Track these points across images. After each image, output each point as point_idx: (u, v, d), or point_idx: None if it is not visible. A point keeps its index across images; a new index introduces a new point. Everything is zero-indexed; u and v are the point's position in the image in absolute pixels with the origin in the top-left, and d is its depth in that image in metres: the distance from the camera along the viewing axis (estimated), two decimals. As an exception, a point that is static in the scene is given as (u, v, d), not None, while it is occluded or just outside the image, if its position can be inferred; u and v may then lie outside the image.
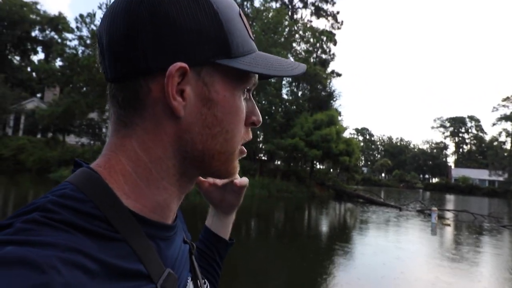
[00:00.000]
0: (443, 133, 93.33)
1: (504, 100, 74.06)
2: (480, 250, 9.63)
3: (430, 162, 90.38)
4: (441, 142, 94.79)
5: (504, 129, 73.43)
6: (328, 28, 32.14)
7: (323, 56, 32.19)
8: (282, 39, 26.22)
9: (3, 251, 0.31)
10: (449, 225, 14.00)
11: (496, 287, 6.20)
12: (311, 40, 29.99)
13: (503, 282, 6.54)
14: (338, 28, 32.43)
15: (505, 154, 68.69)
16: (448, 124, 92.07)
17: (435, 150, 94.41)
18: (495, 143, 75.16)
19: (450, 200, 35.14)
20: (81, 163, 0.46)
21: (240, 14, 0.48)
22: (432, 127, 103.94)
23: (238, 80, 0.47)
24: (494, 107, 76.39)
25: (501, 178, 65.29)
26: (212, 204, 0.77)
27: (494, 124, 74.73)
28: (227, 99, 0.46)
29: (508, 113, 72.52)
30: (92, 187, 0.42)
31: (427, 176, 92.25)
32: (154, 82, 0.43)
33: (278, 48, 23.79)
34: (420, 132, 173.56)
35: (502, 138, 74.22)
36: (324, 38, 30.86)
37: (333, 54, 32.52)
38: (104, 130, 30.84)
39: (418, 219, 15.29)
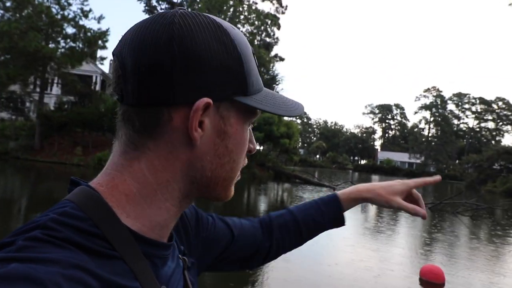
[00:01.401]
0: (373, 119, 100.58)
1: (425, 91, 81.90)
2: (398, 223, 10.94)
3: (360, 145, 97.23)
4: (370, 127, 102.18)
5: (424, 117, 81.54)
6: (272, 12, 32.34)
7: (267, 39, 32.49)
8: (227, 20, 25.89)
9: (7, 268, 0.32)
10: (375, 203, 15.50)
11: (409, 249, 7.20)
12: (256, 22, 30.04)
13: (414, 247, 7.60)
14: (283, 13, 32.83)
15: (423, 139, 76.61)
16: (377, 111, 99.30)
17: (364, 134, 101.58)
18: (416, 129, 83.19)
19: (375, 180, 38.39)
20: (79, 181, 0.48)
21: (253, 53, 0.52)
22: (363, 113, 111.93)
23: (248, 115, 0.51)
24: (416, 97, 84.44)
25: (418, 161, 72.95)
26: (377, 202, 0.84)
27: (415, 112, 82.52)
28: (238, 132, 0.50)
29: (428, 102, 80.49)
30: (92, 205, 0.43)
31: (356, 158, 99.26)
32: (177, 112, 0.45)
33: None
34: (352, 117, 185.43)
35: (422, 125, 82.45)
36: (269, 22, 31.10)
37: (277, 38, 32.98)
38: (28, 104, 28.06)
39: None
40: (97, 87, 31.05)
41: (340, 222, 0.85)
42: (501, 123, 78.86)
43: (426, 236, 9.39)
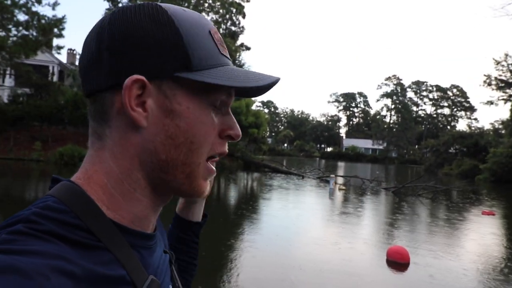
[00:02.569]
0: (337, 107, 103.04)
1: (386, 79, 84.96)
2: (366, 207, 11.41)
3: (326, 133, 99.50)
4: (335, 115, 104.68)
5: (385, 105, 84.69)
6: (237, 0, 31.92)
7: (233, 28, 32.09)
8: (190, 7, 25.27)
9: None
10: (344, 189, 16.04)
11: (375, 232, 7.56)
12: (221, 11, 29.57)
13: (380, 229, 7.98)
14: (247, 1, 32.46)
15: (385, 126, 79.70)
16: (341, 99, 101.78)
17: (330, 122, 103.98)
18: (378, 117, 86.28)
19: (342, 167, 39.73)
20: (59, 178, 0.49)
21: (210, 32, 0.50)
22: (328, 102, 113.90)
23: (203, 93, 0.48)
24: (378, 85, 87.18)
25: (381, 147, 75.95)
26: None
27: (378, 100, 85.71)
28: (191, 110, 0.47)
29: (389, 90, 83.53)
30: (73, 198, 0.44)
31: (323, 145, 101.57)
32: (116, 95, 0.46)
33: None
34: (318, 106, 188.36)
35: (384, 112, 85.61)
36: (234, 10, 30.70)
37: (243, 27, 32.67)
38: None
39: (318, 185, 17.11)
40: (55, 78, 29.40)
41: (196, 228, 0.82)
42: (455, 109, 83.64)
43: (391, 218, 9.86)
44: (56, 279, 0.34)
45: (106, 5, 33.99)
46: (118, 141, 0.47)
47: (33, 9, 21.68)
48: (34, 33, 21.94)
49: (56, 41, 24.54)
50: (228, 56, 0.52)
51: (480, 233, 8.61)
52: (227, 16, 30.60)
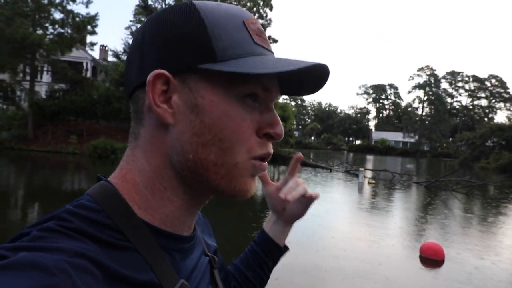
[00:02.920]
0: (367, 99, 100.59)
1: (419, 70, 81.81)
2: (396, 202, 11.09)
3: (355, 126, 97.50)
4: (364, 107, 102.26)
5: (418, 96, 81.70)
6: (264, -8, 31.67)
7: (260, 21, 31.93)
8: (219, 0, 25.32)
9: (16, 256, 0.33)
10: (373, 183, 15.67)
11: (407, 228, 7.33)
12: (248, 4, 29.44)
13: (412, 225, 7.74)
14: (274, -7, 32.10)
15: (417, 118, 76.97)
16: (371, 91, 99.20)
17: (359, 115, 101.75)
18: (409, 109, 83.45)
19: (370, 160, 38.82)
20: (100, 177, 0.49)
21: (245, 23, 0.46)
22: (357, 94, 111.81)
23: (230, 85, 0.44)
24: (410, 76, 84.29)
25: (412, 140, 73.48)
26: (273, 210, 0.76)
27: (409, 92, 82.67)
28: (216, 104, 0.44)
29: (421, 81, 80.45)
30: (106, 197, 0.44)
31: (351, 138, 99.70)
32: (145, 93, 0.45)
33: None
34: (346, 98, 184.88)
35: (415, 104, 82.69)
36: (261, 2, 30.49)
37: (270, 19, 32.38)
38: (18, 93, 27.54)
39: (346, 179, 16.82)
40: (88, 74, 30.53)
41: (278, 251, 0.78)
42: (494, 100, 79.34)
43: (423, 214, 9.54)
44: (78, 277, 0.34)
45: (136, 1, 34.68)
46: (149, 140, 0.46)
47: (68, 7, 22.57)
48: (69, 31, 22.84)
49: (89, 38, 25.46)
50: (267, 47, 0.48)
51: (521, 230, 8.17)
52: (254, 9, 30.43)
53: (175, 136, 0.45)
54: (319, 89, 0.52)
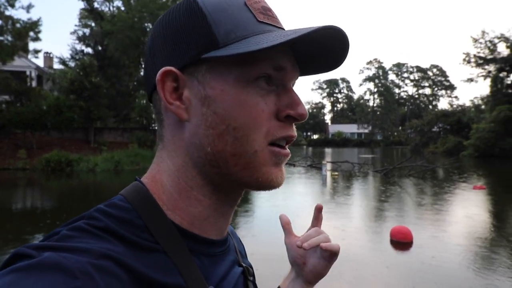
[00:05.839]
0: (321, 94, 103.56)
1: (368, 63, 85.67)
2: (361, 191, 11.61)
3: (311, 121, 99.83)
4: (320, 102, 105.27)
5: (368, 89, 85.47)
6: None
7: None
8: None
9: (41, 256, 0.33)
10: (337, 175, 16.24)
11: (375, 215, 7.73)
12: None
13: (378, 212, 8.17)
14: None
15: (369, 110, 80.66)
16: (325, 86, 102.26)
17: (315, 110, 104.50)
18: (361, 101, 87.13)
19: (329, 153, 40.13)
20: (136, 178, 0.49)
21: (246, 3, 0.44)
22: (312, 89, 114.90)
23: (238, 70, 0.42)
24: (360, 70, 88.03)
25: (366, 131, 76.95)
26: (294, 265, 0.68)
27: (360, 85, 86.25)
28: (226, 92, 0.42)
29: (371, 74, 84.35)
30: (138, 198, 0.43)
31: (309, 133, 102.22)
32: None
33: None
34: (302, 94, 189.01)
35: (367, 96, 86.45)
36: None
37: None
38: None
39: (310, 173, 17.27)
40: (34, 83, 28.59)
41: None
42: (436, 89, 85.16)
43: (385, 199, 10.07)
44: (101, 279, 0.33)
45: (81, 4, 33.01)
46: (171, 139, 0.46)
47: (7, 13, 20.95)
48: (9, 38, 21.23)
49: (32, 45, 23.84)
50: (275, 23, 0.46)
51: (474, 206, 8.90)
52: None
53: (192, 131, 0.44)
54: (342, 61, 0.48)
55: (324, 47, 0.46)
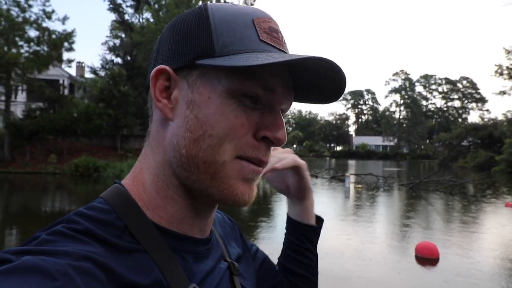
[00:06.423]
0: (345, 105, 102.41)
1: (394, 75, 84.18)
2: (385, 205, 11.28)
3: (335, 132, 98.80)
4: (344, 113, 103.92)
5: (394, 100, 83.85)
6: None
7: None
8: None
9: (20, 260, 0.33)
10: (360, 187, 15.90)
11: (399, 230, 7.48)
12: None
13: (403, 227, 7.90)
14: None
15: (395, 122, 78.93)
16: (349, 97, 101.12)
17: (339, 121, 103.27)
18: (387, 113, 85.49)
19: (353, 165, 39.42)
20: (116, 181, 0.50)
21: (254, 21, 0.45)
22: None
23: (228, 81, 0.43)
24: (386, 81, 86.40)
25: (392, 143, 75.18)
26: (281, 192, 0.75)
27: (386, 96, 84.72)
28: (212, 100, 0.43)
29: (397, 86, 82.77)
30: (118, 199, 0.44)
31: (332, 145, 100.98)
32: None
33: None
34: (326, 105, 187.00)
35: (393, 108, 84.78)
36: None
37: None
38: None
39: (332, 185, 17.00)
40: (66, 91, 29.90)
41: (309, 230, 0.74)
42: (466, 101, 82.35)
43: (411, 215, 9.74)
44: (81, 280, 0.33)
45: (113, 16, 34.44)
46: (155, 135, 0.47)
47: (44, 24, 22.16)
48: (45, 48, 22.37)
49: (66, 55, 25.01)
50: (277, 45, 0.46)
51: (506, 225, 8.46)
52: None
53: (173, 131, 0.45)
54: (339, 95, 0.49)
55: (321, 78, 0.47)
